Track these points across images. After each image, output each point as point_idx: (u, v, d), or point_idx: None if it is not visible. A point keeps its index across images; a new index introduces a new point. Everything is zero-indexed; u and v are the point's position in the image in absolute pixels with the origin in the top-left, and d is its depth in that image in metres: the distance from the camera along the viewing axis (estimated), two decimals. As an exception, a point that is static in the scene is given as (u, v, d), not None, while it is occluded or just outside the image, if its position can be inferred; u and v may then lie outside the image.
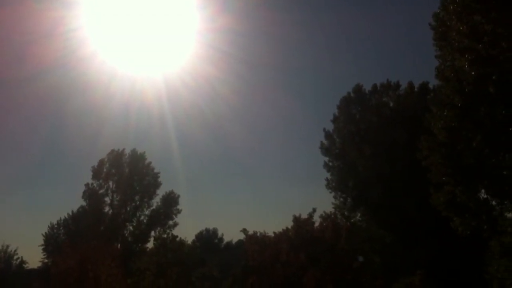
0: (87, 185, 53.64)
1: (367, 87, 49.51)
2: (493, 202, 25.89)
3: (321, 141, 50.10)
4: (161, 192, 56.53)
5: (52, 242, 67.89)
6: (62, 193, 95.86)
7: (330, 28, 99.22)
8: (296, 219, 39.42)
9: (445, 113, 25.40)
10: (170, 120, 69.30)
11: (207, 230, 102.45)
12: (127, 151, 56.41)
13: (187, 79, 68.43)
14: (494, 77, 23.35)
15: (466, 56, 23.74)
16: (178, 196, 56.71)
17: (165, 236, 50.61)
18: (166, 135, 71.73)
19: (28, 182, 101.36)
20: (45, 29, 57.08)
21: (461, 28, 23.84)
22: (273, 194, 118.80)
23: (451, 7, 24.38)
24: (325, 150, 49.74)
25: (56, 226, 69.94)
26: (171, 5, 70.49)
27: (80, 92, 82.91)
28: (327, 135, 50.11)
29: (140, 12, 74.19)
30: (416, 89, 47.57)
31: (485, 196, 26.12)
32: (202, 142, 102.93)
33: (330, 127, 50.12)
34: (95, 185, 53.77)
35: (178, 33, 73.82)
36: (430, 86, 45.76)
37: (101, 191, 53.72)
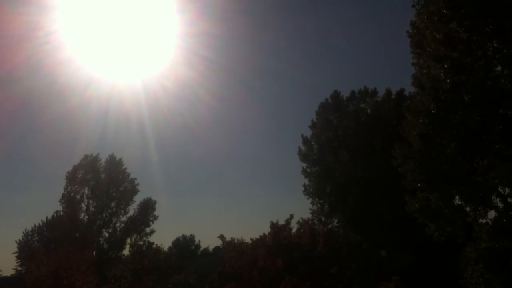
0: (65, 188, 53.00)
1: (345, 94, 49.91)
2: (467, 208, 26.14)
3: (299, 147, 50.31)
4: (138, 198, 56.09)
5: (26, 249, 66.69)
6: (38, 199, 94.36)
7: (309, 34, 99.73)
8: (274, 225, 39.29)
9: (420, 120, 25.60)
10: (148, 125, 68.82)
11: (184, 236, 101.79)
12: (103, 156, 55.94)
13: (166, 83, 68.16)
14: (468, 85, 23.61)
15: (442, 63, 23.97)
16: (155, 202, 56.35)
17: (141, 243, 50.19)
18: (144, 140, 71.08)
19: (2, 188, 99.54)
20: (20, 33, 56.18)
21: (436, 36, 24.06)
22: (250, 200, 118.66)
23: (426, 16, 24.61)
24: (303, 156, 49.86)
25: (30, 233, 68.76)
26: (150, 10, 70.19)
27: (56, 97, 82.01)
28: (305, 141, 50.26)
29: (118, 15, 73.62)
30: (393, 96, 47.98)
31: (460, 202, 26.36)
32: (181, 147, 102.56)
33: (308, 133, 50.36)
34: (70, 191, 53.08)
35: (157, 37, 73.55)
36: (407, 93, 46.26)
37: (76, 197, 53.06)
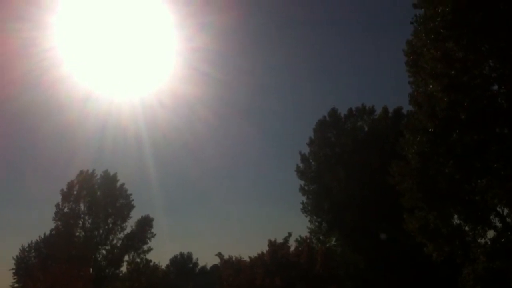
0: (57, 205, 52.63)
1: (343, 111, 50.07)
2: (466, 228, 25.99)
3: (297, 164, 50.24)
4: (135, 214, 55.71)
5: (23, 266, 66.24)
6: (36, 215, 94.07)
7: (308, 51, 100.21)
8: (272, 244, 39.26)
9: (418, 139, 25.57)
10: (147, 142, 68.51)
11: (181, 254, 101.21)
12: (98, 172, 55.62)
13: (164, 99, 68.18)
14: (465, 104, 23.65)
15: (439, 81, 24.02)
16: (152, 219, 55.91)
17: (138, 260, 49.87)
18: (142, 156, 70.85)
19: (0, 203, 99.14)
20: (16, 50, 56.25)
21: (434, 53, 24.14)
22: (248, 217, 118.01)
23: (423, 34, 24.73)
24: (301, 174, 49.80)
25: (27, 249, 68.33)
26: (148, 25, 70.30)
27: (53, 114, 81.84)
28: (303, 158, 50.26)
29: (116, 31, 73.68)
30: (390, 114, 48.17)
31: (458, 222, 26.22)
32: (179, 163, 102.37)
33: (306, 150, 50.38)
34: (66, 207, 52.77)
35: (156, 52, 73.38)
36: (404, 111, 46.40)
37: (72, 214, 52.71)
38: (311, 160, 49.91)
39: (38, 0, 53.78)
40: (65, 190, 52.98)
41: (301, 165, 50.09)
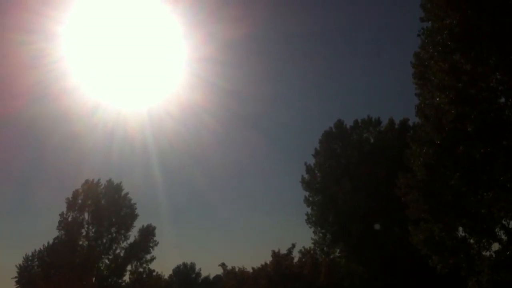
0: (61, 214, 52.61)
1: (349, 122, 50.08)
2: (471, 240, 25.87)
3: (302, 175, 50.20)
4: (140, 223, 55.60)
5: (26, 274, 66.11)
6: (42, 224, 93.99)
7: (315, 62, 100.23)
8: (275, 254, 39.09)
9: (424, 151, 25.54)
10: (153, 151, 68.57)
11: (184, 264, 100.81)
12: (104, 181, 55.60)
13: (172, 109, 68.32)
14: (472, 116, 23.64)
15: (447, 93, 24.03)
16: (155, 228, 55.80)
17: (141, 270, 49.72)
18: (149, 165, 70.83)
19: (6, 212, 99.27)
20: (25, 61, 56.67)
21: (441, 65, 24.17)
22: (252, 228, 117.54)
23: (430, 47, 24.80)
24: (306, 185, 49.74)
25: (30, 257, 68.21)
26: (156, 35, 70.71)
27: (62, 123, 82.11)
28: (309, 169, 50.22)
29: (124, 41, 73.95)
30: (396, 126, 48.13)
31: (463, 234, 26.11)
32: (185, 173, 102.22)
33: (311, 161, 50.33)
34: (70, 216, 52.72)
35: (164, 62, 73.77)
36: (410, 123, 46.35)
37: (76, 223, 52.64)
38: (316, 171, 49.88)
39: (47, 11, 54.14)
40: (70, 199, 53.02)
41: (306, 176, 50.07)
